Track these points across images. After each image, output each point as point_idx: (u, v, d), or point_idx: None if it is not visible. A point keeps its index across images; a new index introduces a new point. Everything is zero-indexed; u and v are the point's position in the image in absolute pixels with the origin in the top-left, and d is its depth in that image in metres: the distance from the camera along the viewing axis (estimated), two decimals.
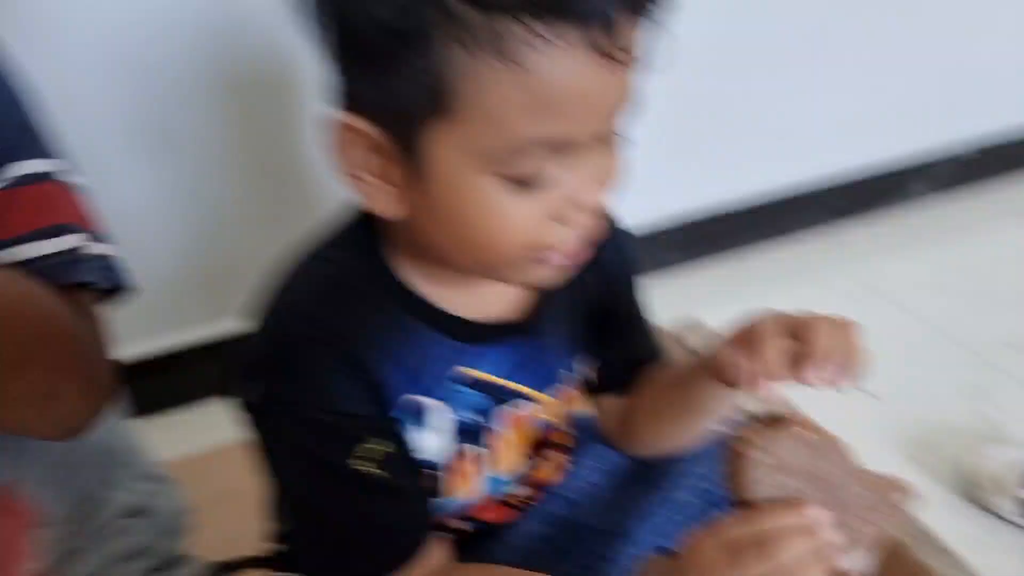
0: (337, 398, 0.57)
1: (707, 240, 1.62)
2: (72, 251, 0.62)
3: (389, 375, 0.59)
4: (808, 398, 1.09)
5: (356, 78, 0.51)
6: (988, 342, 1.31)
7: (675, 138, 1.44)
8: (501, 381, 0.66)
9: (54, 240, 0.61)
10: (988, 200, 1.76)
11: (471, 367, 0.64)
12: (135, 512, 0.77)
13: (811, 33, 1.48)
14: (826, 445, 0.53)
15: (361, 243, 0.61)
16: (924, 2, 1.53)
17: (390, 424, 0.60)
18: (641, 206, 1.58)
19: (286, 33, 1.09)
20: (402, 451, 0.61)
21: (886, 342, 1.33)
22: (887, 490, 0.56)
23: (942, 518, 0.99)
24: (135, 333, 1.25)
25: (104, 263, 0.65)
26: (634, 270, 0.76)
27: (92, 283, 0.64)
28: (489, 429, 0.66)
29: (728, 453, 0.53)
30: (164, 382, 1.29)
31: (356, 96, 0.52)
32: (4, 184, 0.61)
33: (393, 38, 0.47)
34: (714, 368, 0.59)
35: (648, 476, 0.77)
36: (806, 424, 0.53)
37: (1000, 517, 1.00)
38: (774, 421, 0.54)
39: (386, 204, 0.55)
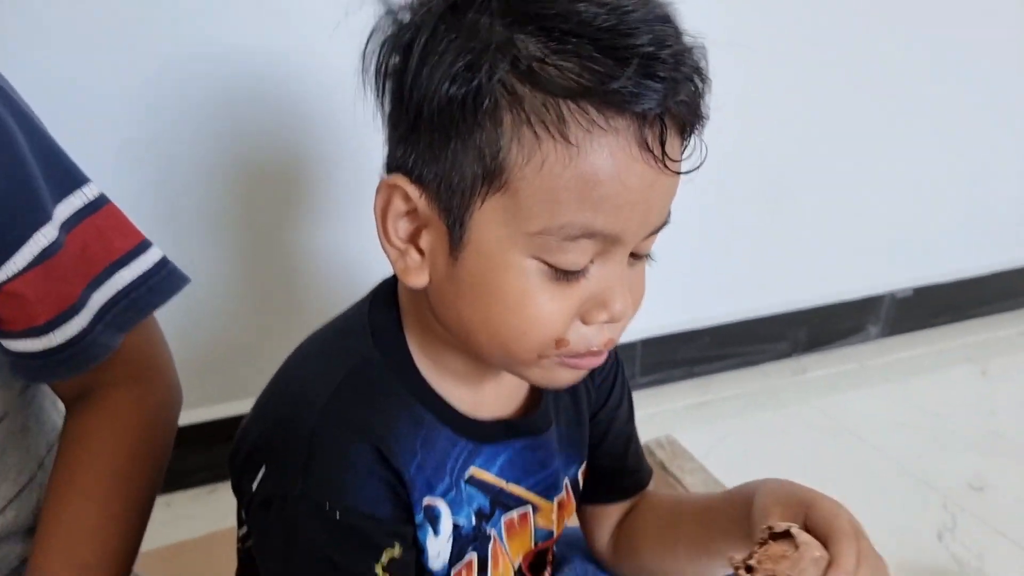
0: (365, 499, 0.54)
1: (672, 361, 1.64)
2: (145, 275, 0.65)
3: (414, 475, 0.57)
4: None
5: (416, 147, 0.51)
6: (950, 482, 1.32)
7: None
8: (506, 484, 0.63)
9: (132, 265, 0.64)
10: (937, 343, 1.82)
11: (482, 468, 0.62)
12: None
13: (774, 179, 1.55)
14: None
15: (380, 333, 0.59)
16: (880, 157, 1.62)
17: (412, 529, 0.57)
18: None
19: (291, 114, 1.12)
20: (418, 559, 0.58)
21: (850, 475, 1.37)
22: None
23: None
24: None
25: (163, 271, 0.66)
26: (626, 381, 0.76)
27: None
28: (490, 536, 0.63)
29: None
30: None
31: (412, 163, 0.52)
32: (75, 219, 0.61)
33: (461, 113, 0.48)
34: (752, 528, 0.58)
35: None
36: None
37: None
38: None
39: (412, 272, 0.55)
